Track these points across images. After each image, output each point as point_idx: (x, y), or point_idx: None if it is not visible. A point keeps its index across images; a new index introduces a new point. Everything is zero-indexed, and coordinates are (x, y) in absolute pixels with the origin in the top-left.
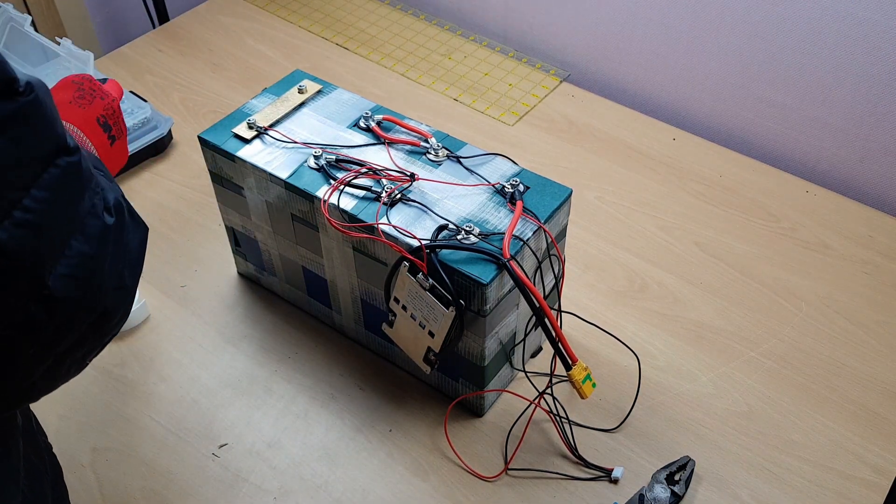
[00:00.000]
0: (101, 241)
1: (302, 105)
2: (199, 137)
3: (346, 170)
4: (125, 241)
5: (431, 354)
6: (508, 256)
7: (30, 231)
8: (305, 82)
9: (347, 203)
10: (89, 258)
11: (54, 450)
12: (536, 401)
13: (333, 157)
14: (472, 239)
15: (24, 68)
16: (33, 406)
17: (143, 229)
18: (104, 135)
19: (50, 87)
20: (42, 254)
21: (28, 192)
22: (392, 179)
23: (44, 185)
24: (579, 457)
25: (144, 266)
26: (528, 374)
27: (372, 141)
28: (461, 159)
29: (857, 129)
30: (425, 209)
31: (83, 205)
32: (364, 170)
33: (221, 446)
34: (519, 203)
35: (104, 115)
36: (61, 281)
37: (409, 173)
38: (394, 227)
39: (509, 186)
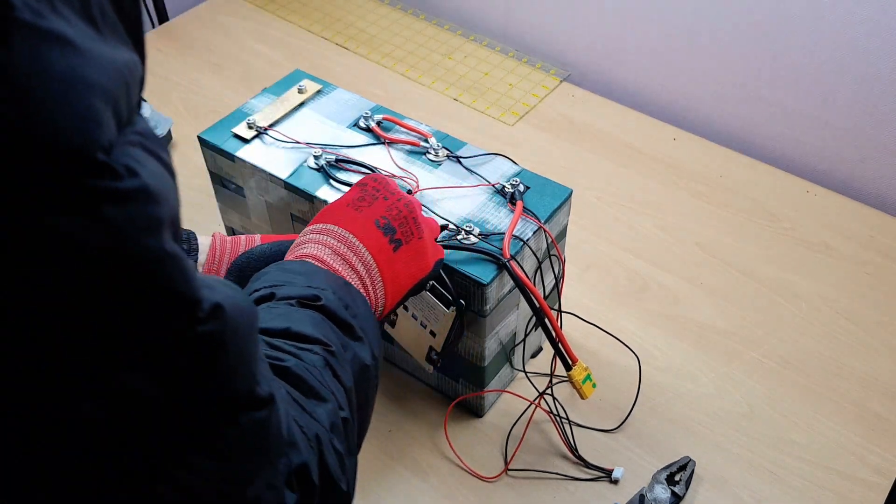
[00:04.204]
0: None
1: (302, 105)
2: (199, 137)
3: (346, 170)
4: None
5: (434, 353)
6: (508, 256)
7: None
8: (305, 82)
9: None
10: None
11: None
12: (536, 401)
13: (333, 157)
14: (473, 239)
15: None
16: None
17: (339, 495)
18: (384, 238)
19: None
20: None
21: (184, 459)
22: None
23: (211, 450)
24: (579, 457)
25: None
26: (528, 375)
27: (372, 141)
28: (461, 159)
29: (858, 129)
30: (425, 209)
31: (259, 480)
32: (363, 170)
33: None
34: (519, 203)
35: (386, 217)
36: None
37: (409, 183)
38: None
39: (509, 186)
